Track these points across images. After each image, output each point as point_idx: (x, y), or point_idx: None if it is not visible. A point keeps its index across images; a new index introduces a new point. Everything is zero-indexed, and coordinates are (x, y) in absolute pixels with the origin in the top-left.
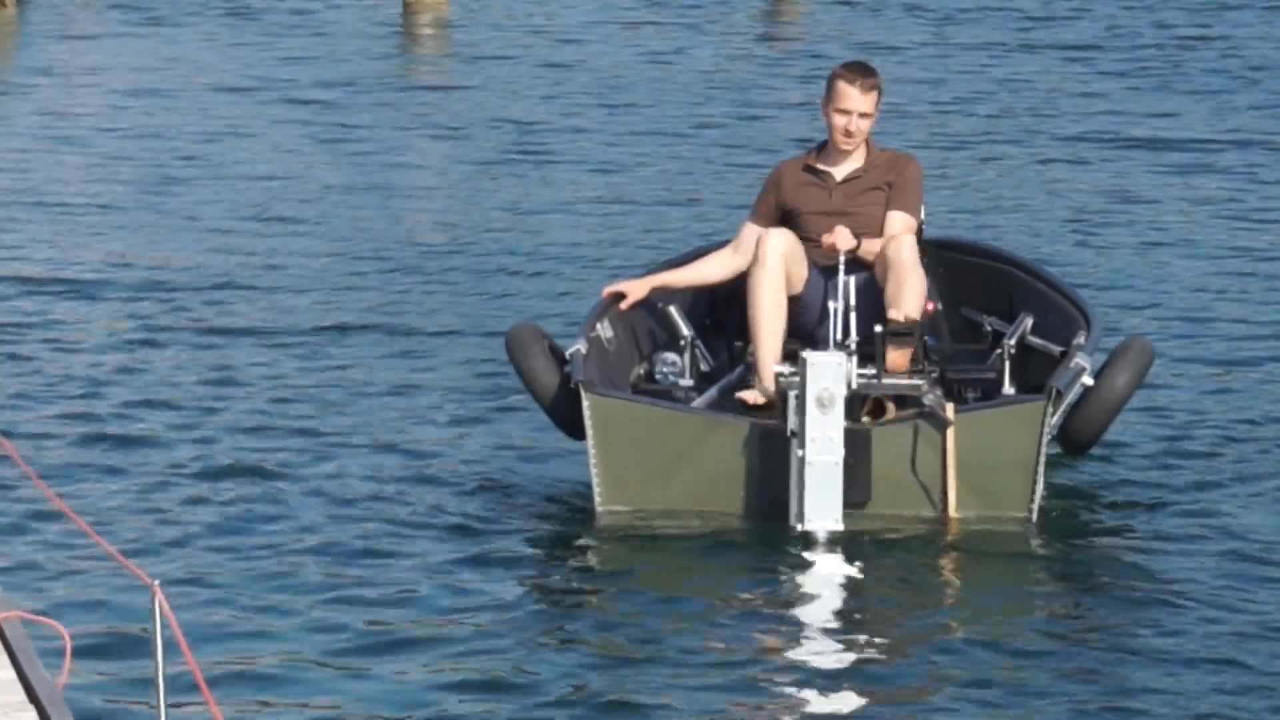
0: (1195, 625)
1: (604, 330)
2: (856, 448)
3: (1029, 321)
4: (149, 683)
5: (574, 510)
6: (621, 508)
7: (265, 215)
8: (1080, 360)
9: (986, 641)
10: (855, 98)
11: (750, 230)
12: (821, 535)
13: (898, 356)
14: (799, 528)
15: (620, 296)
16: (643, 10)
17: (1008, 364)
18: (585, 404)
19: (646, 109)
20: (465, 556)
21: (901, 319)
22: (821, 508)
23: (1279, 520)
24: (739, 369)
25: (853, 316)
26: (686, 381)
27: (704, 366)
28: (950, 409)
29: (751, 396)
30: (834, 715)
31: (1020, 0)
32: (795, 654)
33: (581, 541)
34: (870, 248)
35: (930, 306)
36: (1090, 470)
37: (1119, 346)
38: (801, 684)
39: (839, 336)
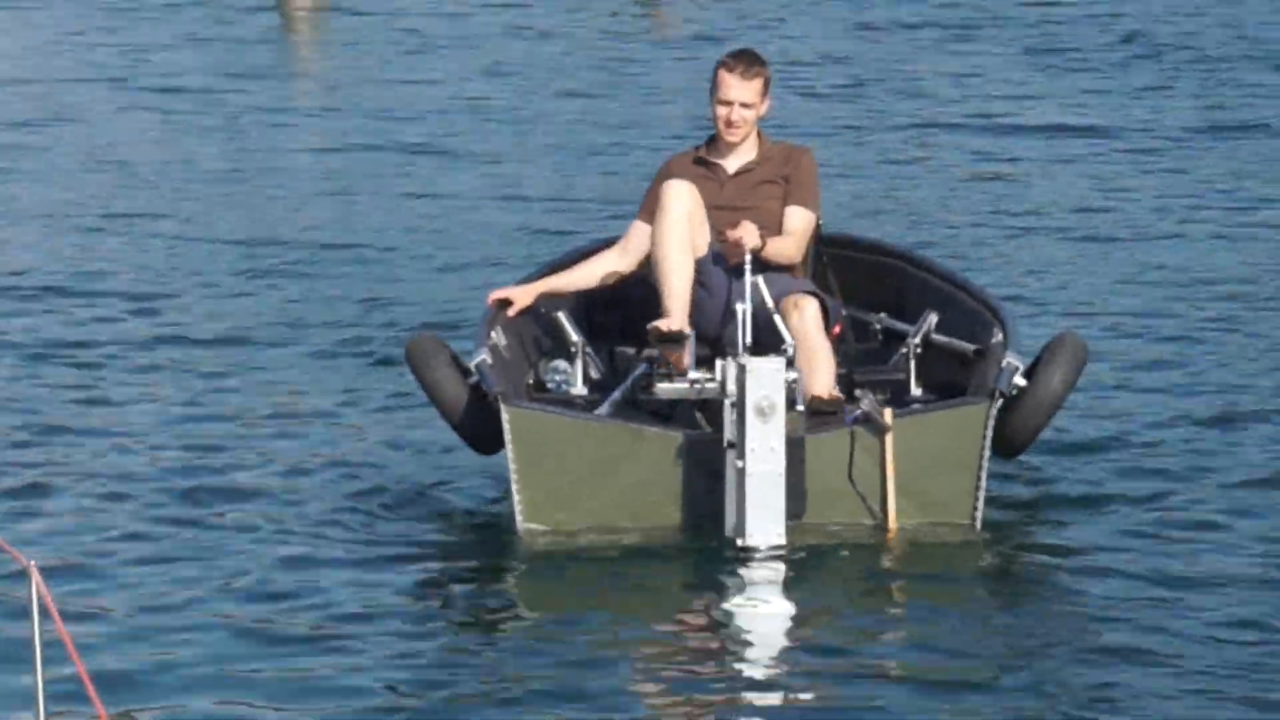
0: (1142, 630)
1: (499, 338)
2: (790, 456)
3: (933, 318)
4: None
5: (492, 529)
6: (545, 525)
7: (130, 211)
8: (1011, 359)
9: (931, 654)
10: (736, 86)
11: (639, 228)
12: (760, 549)
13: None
14: (739, 542)
15: (506, 303)
16: None
17: (913, 364)
18: (505, 418)
19: (527, 97)
20: (375, 579)
21: (825, 395)
22: (763, 521)
23: (1221, 517)
24: (636, 372)
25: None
26: (579, 390)
27: (594, 373)
28: (889, 414)
29: (667, 324)
30: None
31: None
32: (731, 675)
33: (503, 562)
34: (773, 247)
35: (838, 329)
36: (1029, 473)
37: (1050, 344)
38: (738, 705)
39: (747, 340)
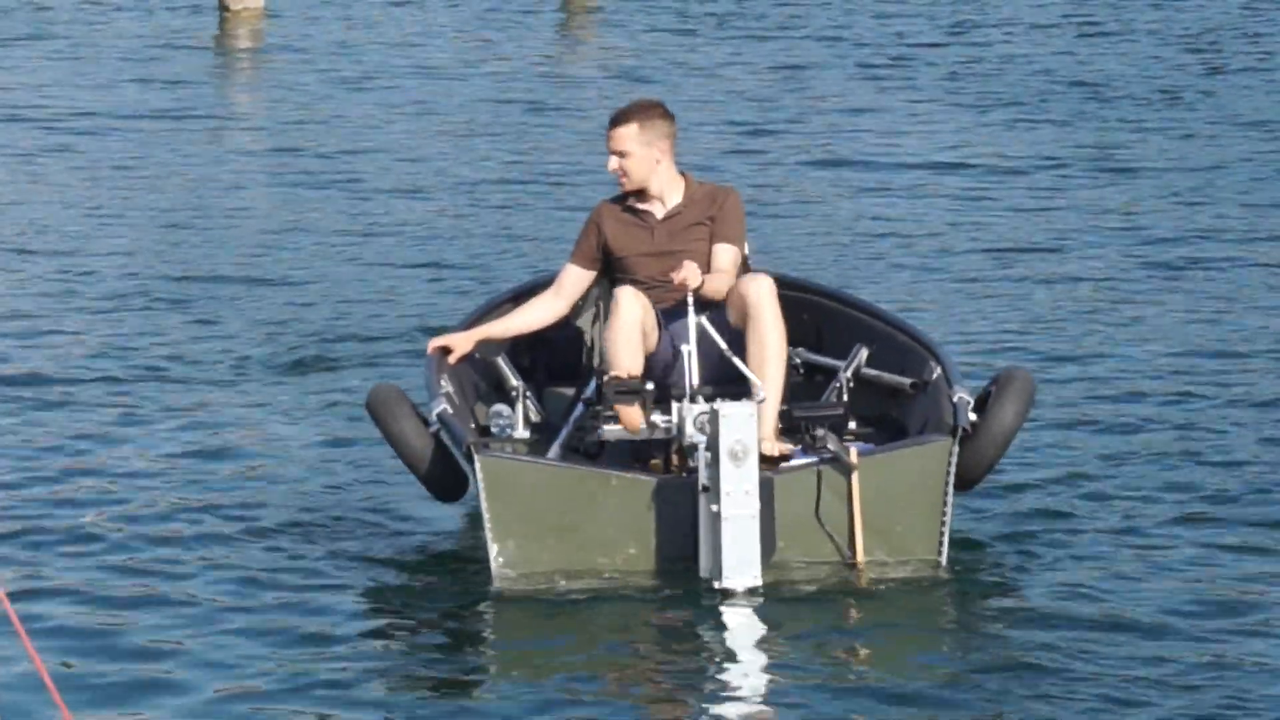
0: (1112, 664)
1: (448, 385)
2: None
3: (864, 353)
4: None
5: (465, 576)
6: (520, 571)
7: (57, 248)
8: (961, 394)
9: (902, 692)
10: (612, 138)
11: (571, 272)
12: (736, 591)
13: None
14: (716, 585)
15: (447, 350)
16: (463, 21)
17: (845, 398)
18: (478, 467)
19: (458, 129)
20: (346, 628)
21: (772, 453)
22: (739, 564)
23: (1179, 545)
24: (575, 414)
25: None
26: (521, 433)
27: (534, 416)
28: (854, 452)
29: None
30: None
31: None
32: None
33: (478, 609)
34: (708, 284)
35: None
36: (988, 507)
37: (1000, 378)
38: None
39: (694, 381)
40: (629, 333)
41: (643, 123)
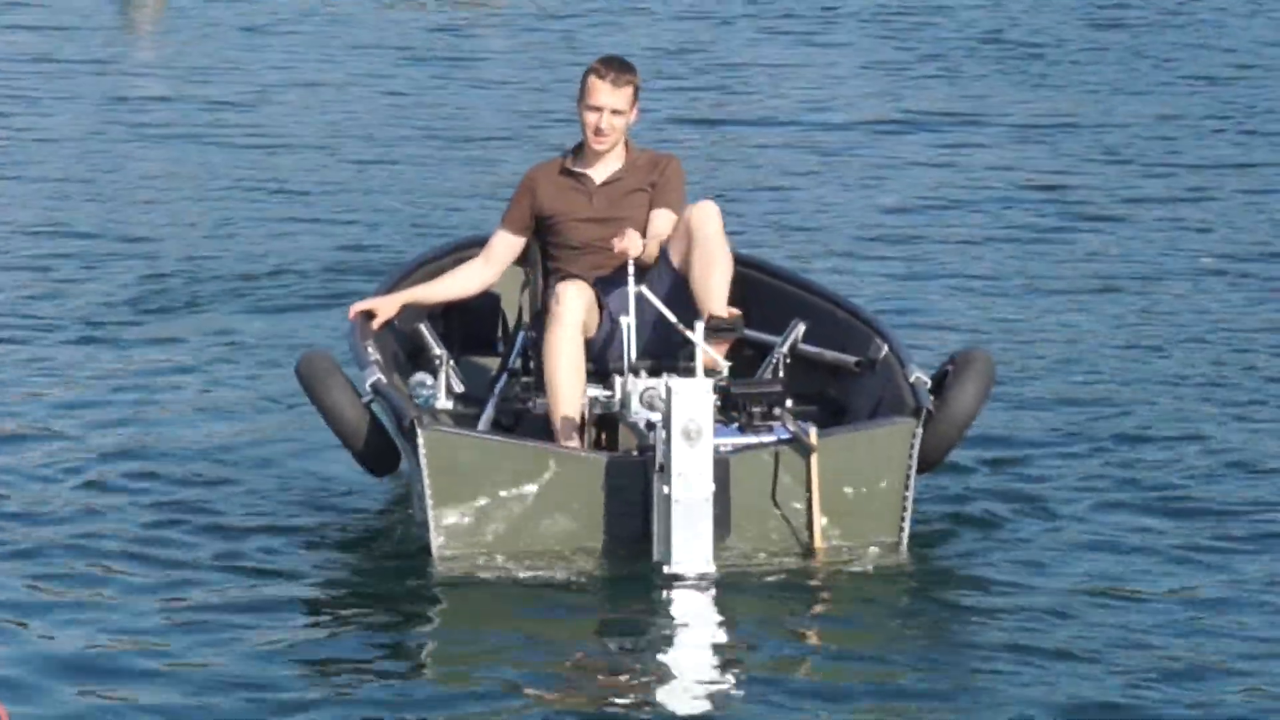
0: (1071, 650)
1: (375, 354)
2: (714, 477)
3: (800, 328)
4: None
5: (404, 554)
6: (462, 549)
7: None
8: (919, 374)
9: (855, 685)
10: (606, 92)
11: (502, 238)
12: (687, 576)
13: (719, 352)
14: (666, 569)
15: (370, 315)
16: None
17: (782, 374)
18: (421, 441)
19: (368, 93)
20: (281, 608)
21: (723, 314)
22: (691, 548)
23: (1143, 528)
24: (499, 387)
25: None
26: (444, 403)
27: (458, 387)
28: (814, 433)
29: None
30: None
31: None
32: (650, 703)
33: (417, 588)
34: (651, 250)
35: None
36: (947, 489)
37: (959, 360)
38: None
39: (633, 357)
40: (571, 334)
41: (636, 85)
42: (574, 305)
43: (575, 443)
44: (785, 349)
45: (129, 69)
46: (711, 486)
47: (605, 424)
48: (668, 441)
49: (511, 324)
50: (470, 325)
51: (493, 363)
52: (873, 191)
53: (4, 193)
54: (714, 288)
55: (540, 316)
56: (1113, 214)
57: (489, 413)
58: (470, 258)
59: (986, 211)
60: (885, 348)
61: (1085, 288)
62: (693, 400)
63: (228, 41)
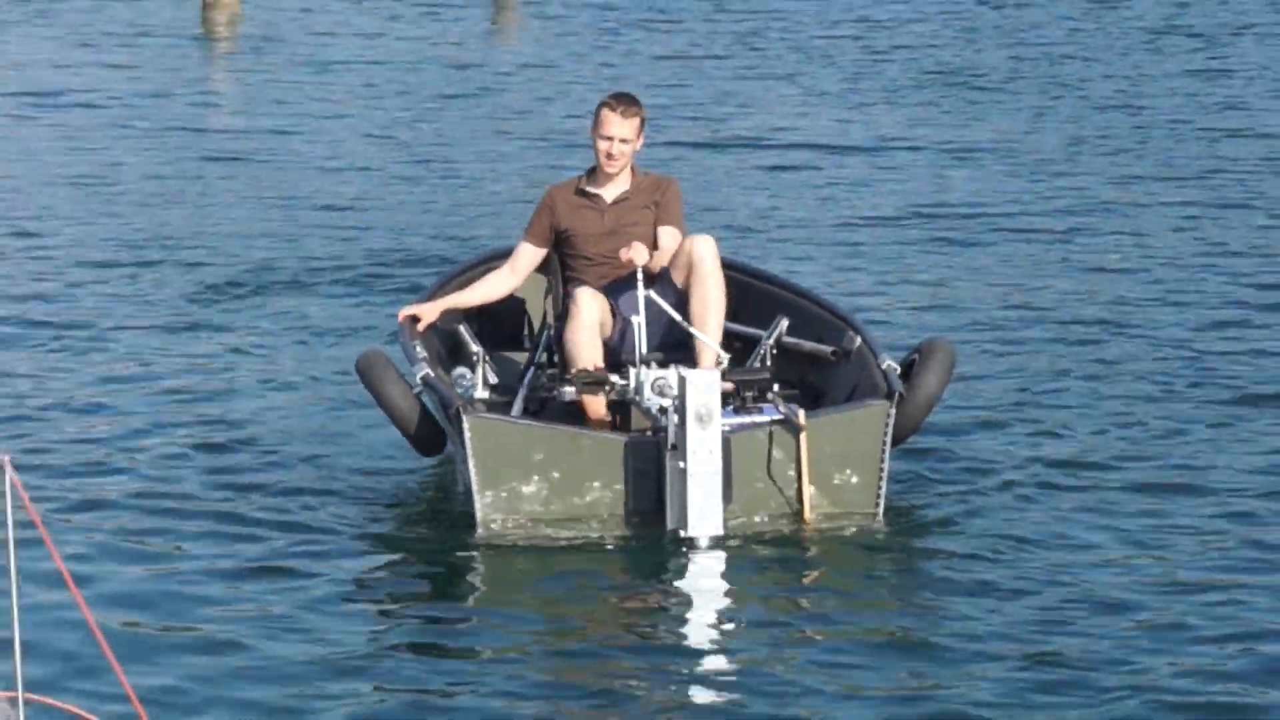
0: (1031, 609)
1: (422, 351)
2: None
3: (784, 323)
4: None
5: (452, 524)
6: (503, 520)
7: (54, 211)
8: (890, 362)
9: (841, 635)
10: (616, 123)
11: (525, 250)
12: (700, 540)
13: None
14: (682, 534)
15: (415, 318)
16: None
17: (769, 363)
18: (467, 426)
19: (421, 117)
20: (336, 572)
21: (716, 351)
22: (704, 516)
23: (1105, 507)
24: (528, 379)
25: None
26: (481, 394)
27: (492, 379)
28: (802, 415)
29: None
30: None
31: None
32: (671, 651)
33: (464, 555)
34: (654, 261)
35: None
36: (920, 461)
37: (923, 349)
38: (678, 678)
39: (644, 350)
40: (589, 333)
41: (643, 117)
42: (589, 306)
43: (602, 415)
44: (771, 341)
45: (206, 91)
46: (720, 463)
47: (619, 408)
48: (682, 424)
49: (536, 325)
50: (500, 325)
51: (520, 358)
52: (837, 204)
53: (96, 194)
54: (711, 327)
55: (561, 318)
56: (1031, 225)
57: (520, 400)
58: (496, 268)
59: (935, 220)
60: (858, 339)
61: (1024, 284)
62: (704, 388)
63: (297, 54)
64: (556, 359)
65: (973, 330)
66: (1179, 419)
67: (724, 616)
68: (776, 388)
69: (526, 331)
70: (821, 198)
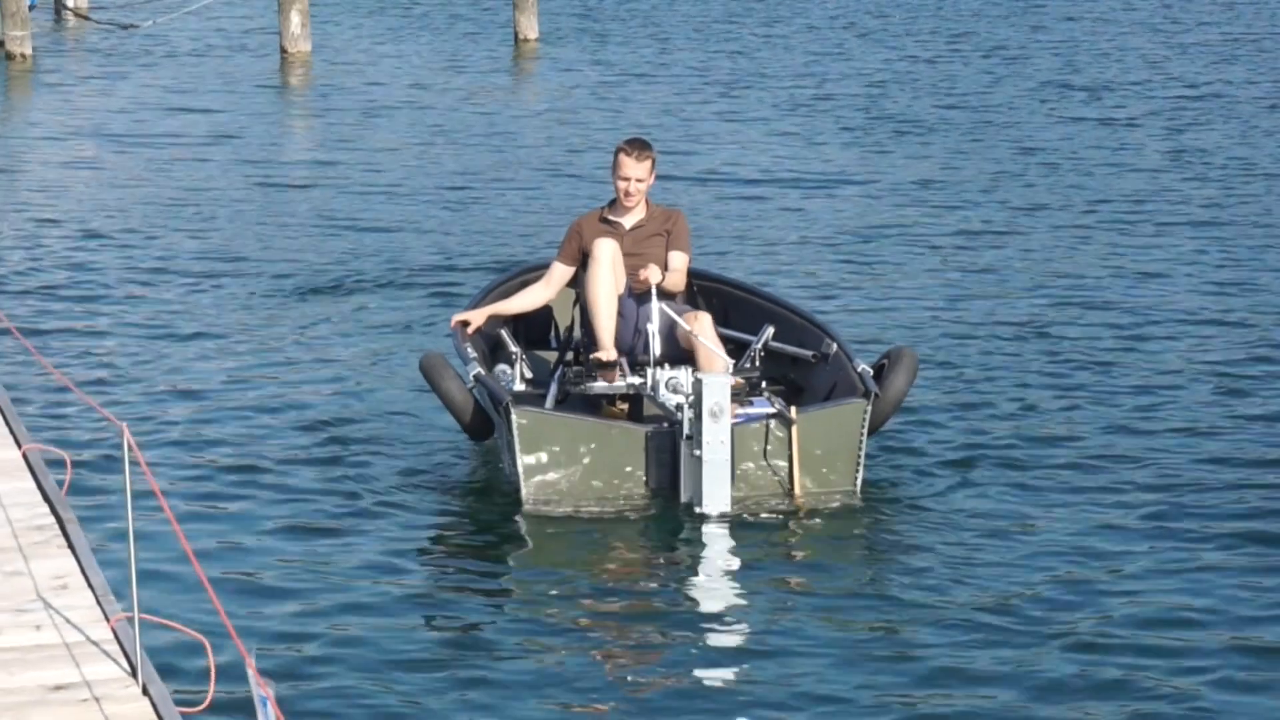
0: (990, 569)
1: (473, 352)
2: None
3: (770, 330)
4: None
5: (500, 501)
6: (545, 497)
7: (145, 230)
8: (864, 366)
9: (827, 591)
10: (632, 166)
11: (558, 268)
12: (712, 514)
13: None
14: (696, 509)
15: (465, 323)
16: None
17: (758, 364)
18: (514, 417)
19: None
20: (392, 544)
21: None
22: (716, 496)
23: (1049, 486)
24: (557, 375)
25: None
26: (519, 387)
27: (529, 374)
28: (794, 410)
29: (605, 355)
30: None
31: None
32: (689, 614)
33: (512, 526)
34: (667, 280)
35: None
36: (891, 450)
37: (890, 355)
38: (687, 640)
39: (657, 352)
40: (607, 275)
41: (653, 158)
42: (606, 250)
43: (609, 344)
44: (759, 346)
45: (282, 128)
46: (729, 451)
47: (632, 401)
48: (698, 419)
49: (563, 330)
50: (533, 330)
51: (549, 356)
52: (809, 227)
53: (184, 215)
54: (710, 337)
55: (585, 326)
56: (965, 244)
57: (552, 394)
58: (531, 280)
59: (893, 243)
60: (834, 345)
61: (974, 294)
62: (717, 389)
63: (357, 100)
64: (582, 357)
65: (917, 333)
66: (1127, 399)
67: (730, 578)
68: (765, 384)
69: (554, 334)
70: (785, 224)
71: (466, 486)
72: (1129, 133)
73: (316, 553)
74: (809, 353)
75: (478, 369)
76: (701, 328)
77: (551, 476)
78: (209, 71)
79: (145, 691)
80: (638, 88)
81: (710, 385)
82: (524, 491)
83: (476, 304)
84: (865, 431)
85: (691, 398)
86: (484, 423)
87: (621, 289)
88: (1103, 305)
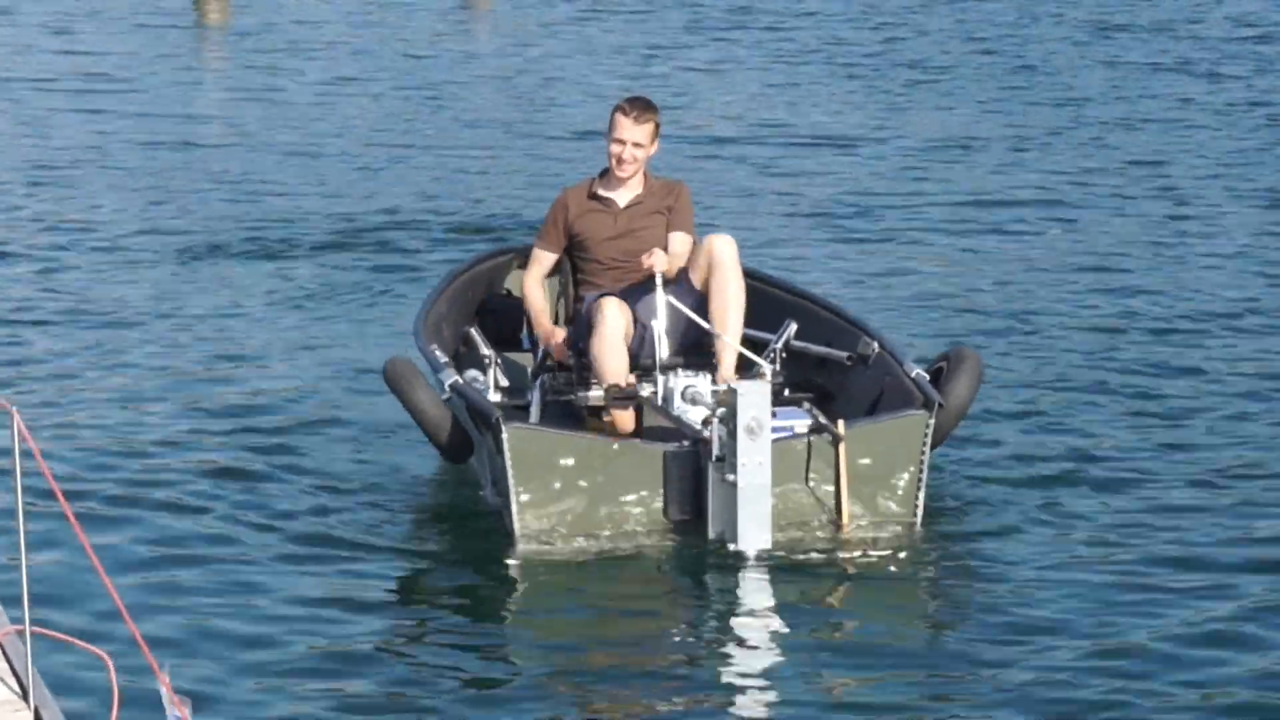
0: (1061, 610)
1: (442, 356)
2: None
3: (793, 327)
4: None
5: (486, 534)
6: (540, 528)
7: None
8: (919, 370)
9: (885, 652)
10: (629, 128)
11: (541, 256)
12: (750, 554)
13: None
14: (731, 547)
15: (431, 318)
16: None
17: (779, 367)
18: (505, 436)
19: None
20: (374, 579)
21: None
22: (754, 529)
23: (1134, 506)
24: (539, 381)
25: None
26: (494, 396)
27: (504, 381)
28: (841, 424)
29: (624, 383)
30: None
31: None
32: (712, 662)
33: (501, 566)
34: (673, 266)
35: None
36: (958, 471)
37: (951, 357)
38: (718, 687)
39: (664, 356)
40: (617, 345)
41: (658, 122)
42: (615, 317)
43: (629, 428)
44: (780, 345)
45: (198, 70)
46: (769, 474)
47: (635, 410)
48: (732, 435)
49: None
50: (500, 327)
51: (520, 358)
52: (813, 194)
53: (89, 175)
54: (731, 327)
55: (571, 322)
56: (1017, 218)
57: (535, 405)
58: (497, 266)
59: (929, 217)
60: (876, 345)
61: (1024, 276)
62: (754, 400)
63: (282, 41)
64: (574, 363)
65: (994, 334)
66: (1216, 412)
67: (764, 630)
68: (788, 391)
69: (526, 332)
70: (795, 188)
71: (441, 514)
72: (1198, 84)
73: (239, 558)
74: (843, 353)
75: (454, 377)
76: (722, 249)
77: (548, 504)
78: (107, 2)
79: (37, 716)
80: (614, 25)
81: (747, 395)
82: (515, 523)
83: (439, 294)
84: (928, 449)
85: (720, 410)
86: (464, 442)
87: (628, 322)
88: (1189, 293)
